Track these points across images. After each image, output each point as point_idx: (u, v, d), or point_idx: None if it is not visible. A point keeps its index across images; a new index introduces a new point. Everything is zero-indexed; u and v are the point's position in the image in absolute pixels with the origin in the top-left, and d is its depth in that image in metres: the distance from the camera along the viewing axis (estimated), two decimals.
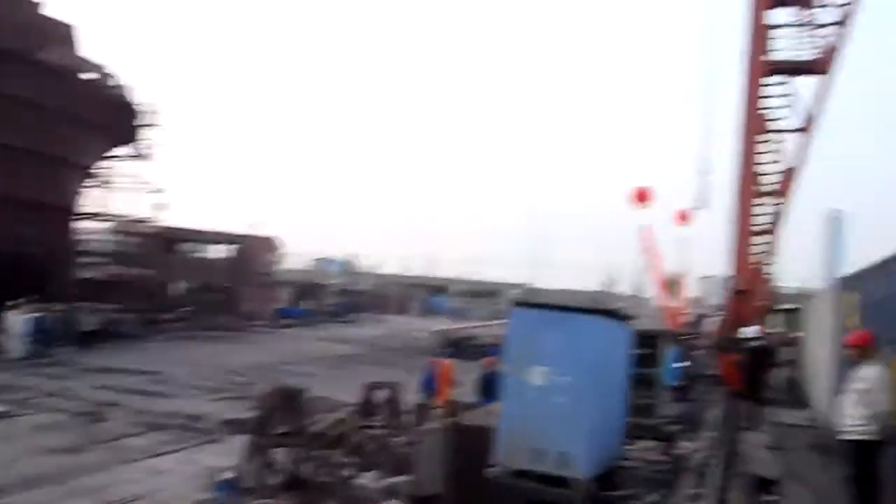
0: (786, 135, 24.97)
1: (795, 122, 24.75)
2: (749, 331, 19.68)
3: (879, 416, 9.03)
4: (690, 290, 61.94)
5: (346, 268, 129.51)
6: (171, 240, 53.31)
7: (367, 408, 16.98)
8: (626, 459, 13.88)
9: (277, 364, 32.35)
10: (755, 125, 24.13)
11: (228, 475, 13.27)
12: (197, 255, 57.56)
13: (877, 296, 11.40)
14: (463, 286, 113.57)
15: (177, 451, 17.33)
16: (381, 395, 17.16)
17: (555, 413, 9.08)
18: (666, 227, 43.46)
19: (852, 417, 9.26)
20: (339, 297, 72.71)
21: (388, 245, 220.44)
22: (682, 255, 55.09)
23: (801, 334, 28.51)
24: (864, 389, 9.16)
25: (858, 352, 9.42)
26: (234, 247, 57.15)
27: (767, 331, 27.45)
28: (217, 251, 58.28)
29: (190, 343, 39.49)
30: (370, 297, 78.88)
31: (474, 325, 65.28)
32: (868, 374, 9.20)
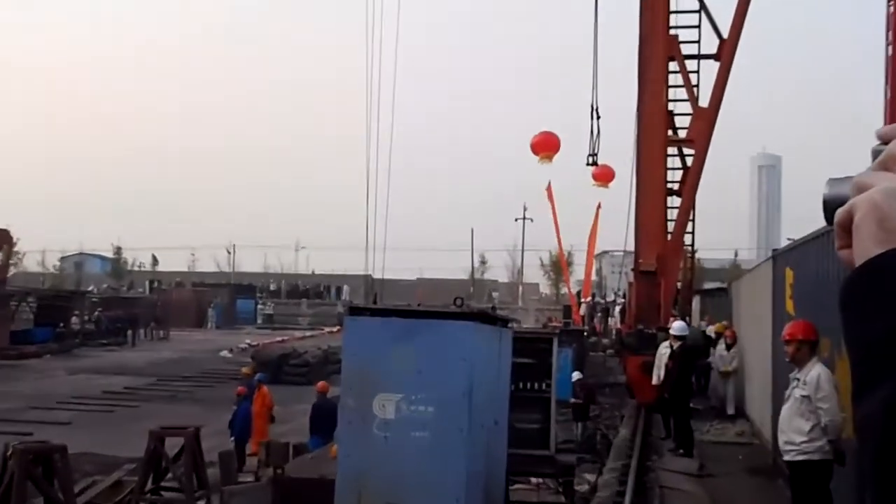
0: (699, 62, 26.06)
1: (710, 47, 25.89)
2: (677, 327, 20.40)
3: (829, 429, 9.66)
4: (588, 272, 64.08)
5: (113, 267, 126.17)
6: None
7: (154, 464, 16.77)
8: None
9: (18, 411, 31.30)
10: (664, 48, 24.89)
11: None
12: None
13: (815, 273, 12.21)
14: (279, 283, 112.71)
15: None
16: (174, 444, 16.99)
17: (413, 456, 9.31)
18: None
19: (796, 432, 9.88)
20: (105, 309, 70.68)
21: (167, 234, 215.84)
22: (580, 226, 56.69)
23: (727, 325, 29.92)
24: (806, 396, 9.78)
25: (795, 348, 10.02)
26: None
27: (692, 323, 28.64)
28: None
29: None
30: (150, 307, 77.02)
31: (298, 337, 65.22)
32: (810, 376, 9.81)
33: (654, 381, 20.35)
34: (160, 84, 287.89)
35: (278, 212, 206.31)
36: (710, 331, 28.67)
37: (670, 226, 25.53)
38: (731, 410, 24.55)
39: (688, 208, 25.98)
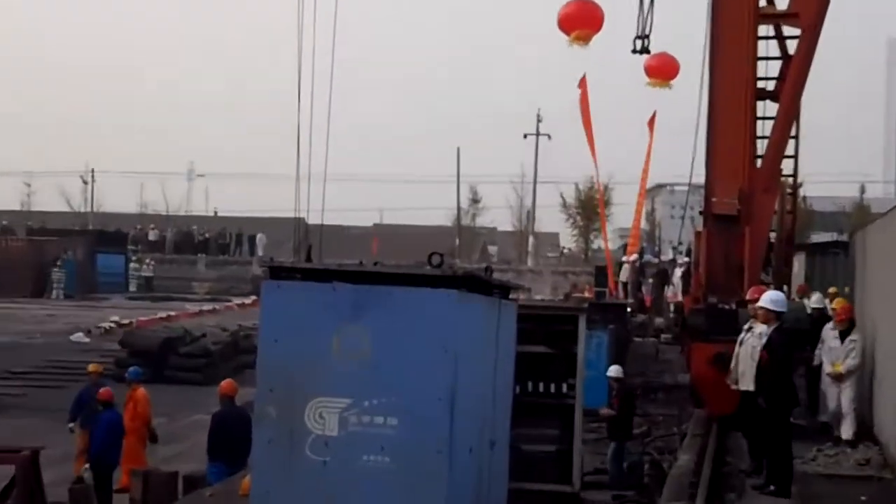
0: None
1: None
2: (773, 298, 20.20)
3: None
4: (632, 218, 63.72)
5: None
6: None
7: None
8: None
9: None
10: None
11: None
12: None
13: None
14: (162, 229, 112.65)
15: None
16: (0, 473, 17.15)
17: (366, 491, 9.41)
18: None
19: None
20: None
21: None
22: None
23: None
24: None
25: None
26: None
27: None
28: None
29: None
30: None
31: (191, 313, 65.36)
32: None
33: (732, 383, 20.43)
34: None
35: (161, 123, 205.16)
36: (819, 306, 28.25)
37: (761, 147, 25.55)
38: (848, 430, 24.42)
39: (788, 120, 26.00)
